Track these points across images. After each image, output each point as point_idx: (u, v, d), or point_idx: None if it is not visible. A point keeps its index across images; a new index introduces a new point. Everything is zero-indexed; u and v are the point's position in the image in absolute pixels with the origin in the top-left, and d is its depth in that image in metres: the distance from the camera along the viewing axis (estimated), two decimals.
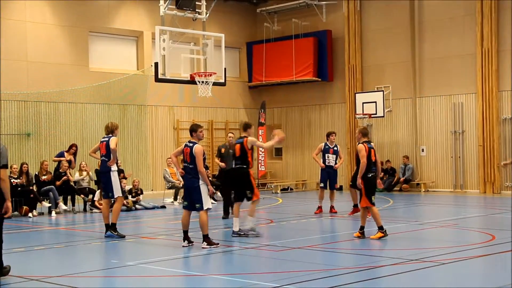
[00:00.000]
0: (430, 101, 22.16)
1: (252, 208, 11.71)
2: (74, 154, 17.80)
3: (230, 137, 15.06)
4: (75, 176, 17.60)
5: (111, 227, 11.95)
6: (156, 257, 10.12)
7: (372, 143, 11.90)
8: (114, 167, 11.98)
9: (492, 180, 20.64)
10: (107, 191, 12.12)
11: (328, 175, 15.57)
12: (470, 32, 21.10)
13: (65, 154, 17.63)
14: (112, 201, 12.30)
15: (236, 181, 12.00)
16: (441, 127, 21.97)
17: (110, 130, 12.19)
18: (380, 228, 11.20)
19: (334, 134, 15.71)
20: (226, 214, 14.67)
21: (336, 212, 15.35)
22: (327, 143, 15.64)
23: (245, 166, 11.79)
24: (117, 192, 12.01)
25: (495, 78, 20.53)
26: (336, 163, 15.62)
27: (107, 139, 12.08)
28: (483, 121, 20.71)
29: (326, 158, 15.56)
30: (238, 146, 11.92)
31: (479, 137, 20.88)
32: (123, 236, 11.87)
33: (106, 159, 11.98)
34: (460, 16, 21.43)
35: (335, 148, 15.63)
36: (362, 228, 11.37)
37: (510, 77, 20.44)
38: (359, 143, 11.60)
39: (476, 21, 20.80)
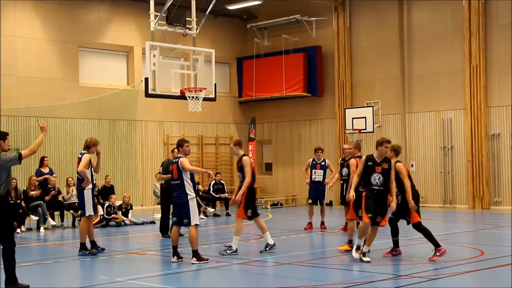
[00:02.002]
0: (419, 117, 22.29)
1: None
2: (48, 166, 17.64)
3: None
4: (64, 192, 17.53)
5: (81, 247, 11.78)
6: (145, 273, 10.06)
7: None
8: (88, 185, 11.82)
9: (481, 195, 20.72)
10: (81, 208, 12.03)
11: (316, 191, 15.56)
12: (458, 49, 21.29)
13: (41, 170, 17.44)
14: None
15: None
16: (430, 143, 22.08)
17: (85, 146, 11.91)
18: (349, 241, 11.55)
19: (320, 151, 15.64)
20: (165, 232, 14.27)
21: (325, 228, 15.33)
22: (315, 158, 15.66)
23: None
24: (88, 210, 11.83)
25: (483, 94, 20.69)
26: (324, 178, 15.57)
27: (80, 156, 11.85)
28: (471, 136, 20.84)
29: (313, 173, 15.58)
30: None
31: (468, 152, 20.99)
32: (94, 254, 11.71)
33: (80, 177, 11.83)
34: (449, 33, 21.63)
35: (323, 163, 15.59)
36: (350, 241, 11.55)
37: (498, 93, 20.63)
38: (351, 158, 11.66)
39: (464, 38, 20.99)
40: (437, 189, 21.90)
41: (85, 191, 11.81)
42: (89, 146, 11.88)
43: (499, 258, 10.57)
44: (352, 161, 11.99)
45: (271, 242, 11.63)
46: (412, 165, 22.36)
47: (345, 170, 14.07)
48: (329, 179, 15.66)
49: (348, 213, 11.67)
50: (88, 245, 11.93)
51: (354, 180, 10.66)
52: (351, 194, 10.86)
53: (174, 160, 10.71)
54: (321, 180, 15.49)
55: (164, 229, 14.31)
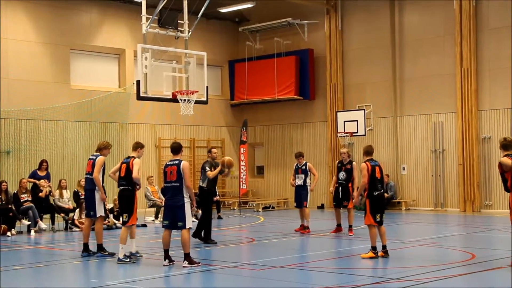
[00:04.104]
0: (411, 120, 22.36)
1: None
2: (47, 171, 17.53)
3: (215, 152, 14.61)
4: (56, 194, 17.43)
5: (98, 249, 11.85)
6: (136, 277, 10.04)
7: (377, 161, 11.54)
8: (103, 196, 11.94)
9: (472, 198, 20.79)
10: (89, 209, 12.05)
11: (298, 194, 15.69)
12: (449, 52, 21.38)
13: (38, 172, 17.36)
14: (93, 221, 12.19)
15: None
16: (421, 146, 22.15)
17: (98, 148, 12.17)
18: (373, 248, 11.10)
19: (301, 157, 15.69)
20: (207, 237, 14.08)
21: (306, 233, 15.21)
22: (297, 163, 15.81)
23: (130, 188, 11.39)
24: (99, 212, 11.93)
25: (475, 98, 20.78)
26: (304, 182, 15.62)
27: (94, 157, 12.03)
28: (463, 140, 20.91)
29: (296, 178, 15.78)
30: (124, 166, 11.44)
31: (459, 156, 21.07)
32: (112, 254, 11.73)
33: (91, 177, 11.90)
34: (440, 36, 21.72)
35: (303, 168, 15.70)
36: (374, 248, 11.12)
37: (489, 96, 20.72)
38: (363, 162, 11.50)
39: (455, 41, 21.08)
40: (428, 192, 21.95)
41: (96, 192, 11.89)
42: (101, 148, 12.09)
43: (490, 261, 10.61)
44: (363, 165, 11.57)
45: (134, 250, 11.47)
46: (404, 168, 22.43)
47: (342, 174, 14.87)
48: (313, 185, 15.76)
49: (365, 218, 11.23)
50: (93, 247, 11.90)
51: None
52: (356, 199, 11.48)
53: (175, 163, 10.71)
54: (301, 184, 15.61)
55: (207, 235, 13.72)
